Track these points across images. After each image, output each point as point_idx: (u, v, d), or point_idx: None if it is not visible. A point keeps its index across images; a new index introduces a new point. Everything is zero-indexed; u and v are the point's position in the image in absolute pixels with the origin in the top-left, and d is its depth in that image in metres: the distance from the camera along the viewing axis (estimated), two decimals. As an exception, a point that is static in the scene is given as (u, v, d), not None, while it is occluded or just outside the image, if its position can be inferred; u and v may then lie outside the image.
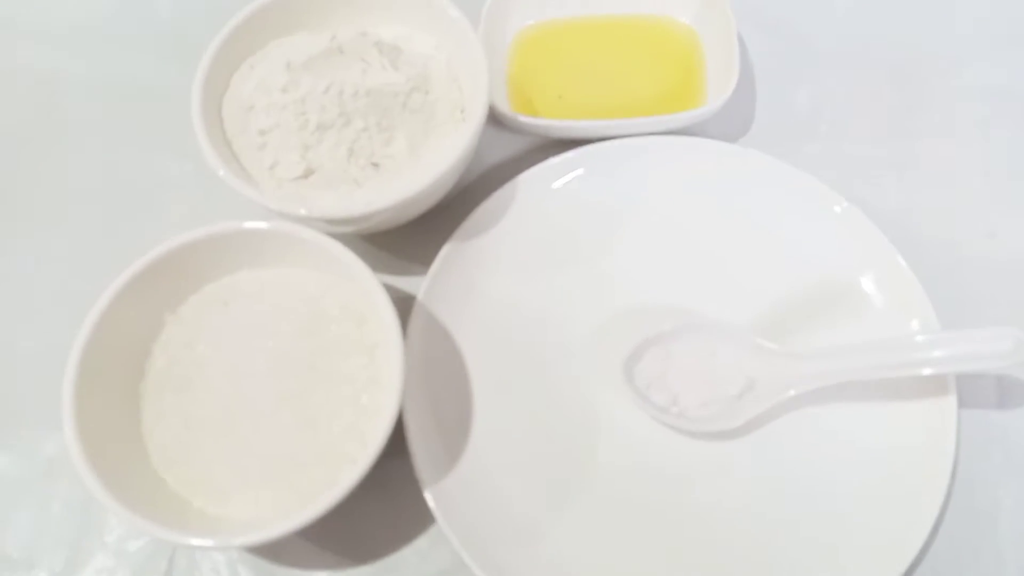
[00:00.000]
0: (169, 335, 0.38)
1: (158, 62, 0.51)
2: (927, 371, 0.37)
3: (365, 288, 0.36)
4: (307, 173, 0.40)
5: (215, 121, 0.40)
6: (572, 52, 0.48)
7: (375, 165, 0.40)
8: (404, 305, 0.40)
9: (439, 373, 0.40)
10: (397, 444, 0.36)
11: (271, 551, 0.39)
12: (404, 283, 0.44)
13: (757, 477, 0.38)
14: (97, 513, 0.40)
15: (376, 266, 0.37)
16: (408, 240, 0.45)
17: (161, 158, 0.48)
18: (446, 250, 0.41)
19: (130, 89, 0.51)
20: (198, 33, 0.51)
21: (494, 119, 0.44)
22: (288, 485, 0.35)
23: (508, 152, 0.47)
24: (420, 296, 0.40)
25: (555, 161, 0.43)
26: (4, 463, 0.41)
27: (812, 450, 0.38)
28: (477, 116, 0.39)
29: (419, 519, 0.38)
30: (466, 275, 0.41)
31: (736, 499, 0.37)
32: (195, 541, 0.33)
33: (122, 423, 0.36)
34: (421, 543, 0.38)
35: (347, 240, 0.38)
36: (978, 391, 0.40)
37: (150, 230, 0.45)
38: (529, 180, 0.43)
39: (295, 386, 0.36)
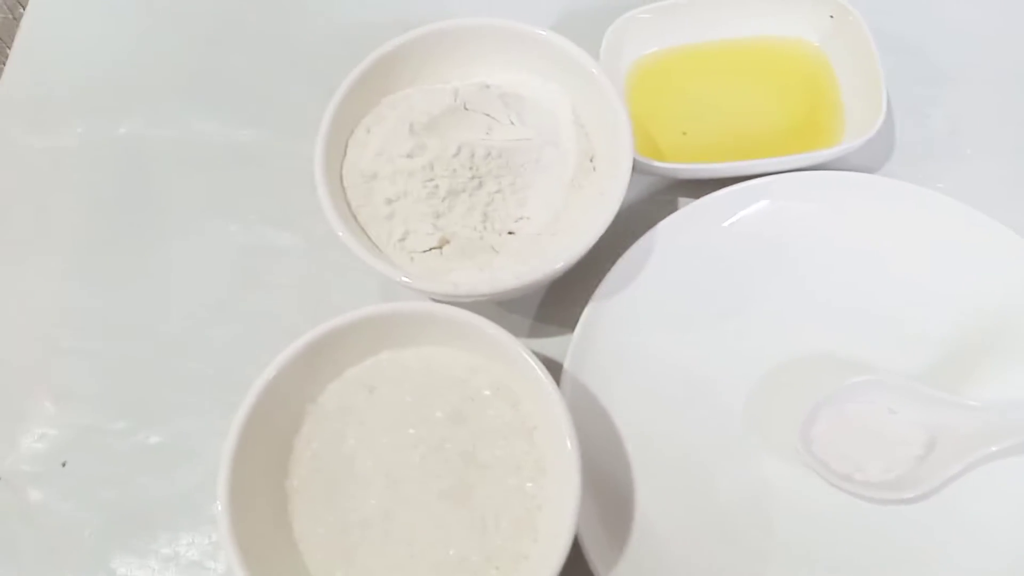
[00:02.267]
0: (312, 428, 0.36)
1: (247, 126, 0.49)
2: None
3: (522, 369, 0.35)
4: (441, 243, 0.38)
5: (338, 192, 0.39)
6: (693, 82, 0.46)
7: (511, 233, 0.39)
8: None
9: (594, 447, 0.38)
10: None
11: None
12: (541, 346, 0.42)
13: (955, 541, 0.36)
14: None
15: (511, 332, 0.35)
16: (541, 301, 0.43)
17: (265, 230, 0.46)
18: (588, 312, 0.40)
19: (221, 157, 0.49)
20: (279, 91, 0.50)
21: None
22: (459, 589, 0.34)
23: (631, 195, 0.45)
24: (567, 364, 0.39)
25: (695, 206, 0.41)
26: (139, 572, 0.39)
27: (1013, 509, 0.36)
28: (623, 171, 0.37)
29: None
30: (612, 336, 0.40)
31: (934, 566, 0.36)
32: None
33: (272, 527, 0.35)
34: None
35: (476, 306, 0.36)
36: None
37: (262, 309, 0.44)
38: (668, 228, 0.41)
39: (455, 479, 0.35)
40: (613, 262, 0.41)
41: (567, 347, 0.40)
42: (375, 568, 0.34)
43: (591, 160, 0.40)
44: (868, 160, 0.45)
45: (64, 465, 0.41)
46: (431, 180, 0.38)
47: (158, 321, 0.45)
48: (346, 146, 0.40)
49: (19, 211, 0.49)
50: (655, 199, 0.45)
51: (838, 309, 0.40)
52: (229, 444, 0.34)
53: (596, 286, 0.40)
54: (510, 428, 0.35)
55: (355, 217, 0.39)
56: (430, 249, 0.38)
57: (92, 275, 0.46)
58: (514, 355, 0.35)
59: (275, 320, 0.44)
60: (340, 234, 0.37)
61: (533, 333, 0.42)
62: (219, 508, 0.33)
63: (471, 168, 0.38)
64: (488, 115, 0.39)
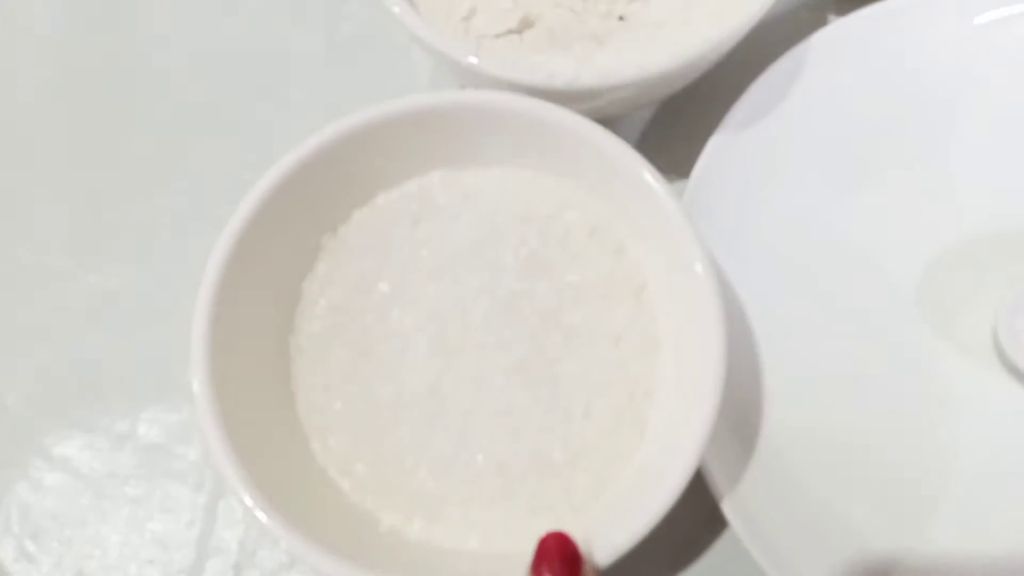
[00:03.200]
0: (330, 268, 0.26)
1: None
2: None
3: (639, 197, 0.24)
4: (522, 26, 0.27)
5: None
6: None
7: (621, 17, 0.28)
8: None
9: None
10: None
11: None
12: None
13: None
14: (217, 527, 0.29)
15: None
16: (644, 131, 0.33)
17: (270, 29, 0.35)
18: (712, 149, 0.29)
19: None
20: None
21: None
22: (530, 499, 0.24)
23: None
24: (681, 214, 0.29)
25: (863, 17, 0.30)
26: (82, 454, 0.30)
27: None
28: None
29: (708, 526, 0.28)
30: (742, 186, 0.29)
31: None
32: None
33: (269, 401, 0.25)
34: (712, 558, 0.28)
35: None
36: None
37: (268, 131, 0.33)
38: (826, 43, 0.30)
39: (531, 348, 0.25)
40: (746, 85, 0.30)
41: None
42: (412, 463, 0.24)
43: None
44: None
45: (-15, 305, 0.31)
46: (514, -65, 0.27)
47: (130, 139, 0.34)
48: None
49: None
50: (802, 7, 0.34)
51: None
52: (210, 278, 0.24)
53: (722, 116, 0.30)
54: (610, 284, 0.26)
55: (402, -16, 0.28)
56: (507, 33, 0.27)
57: (55, 78, 0.35)
58: (629, 175, 0.24)
59: (287, 145, 0.33)
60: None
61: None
62: (194, 368, 0.23)
63: (573, -80, 0.27)
64: None
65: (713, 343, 0.23)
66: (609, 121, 0.30)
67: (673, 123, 0.32)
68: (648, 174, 0.24)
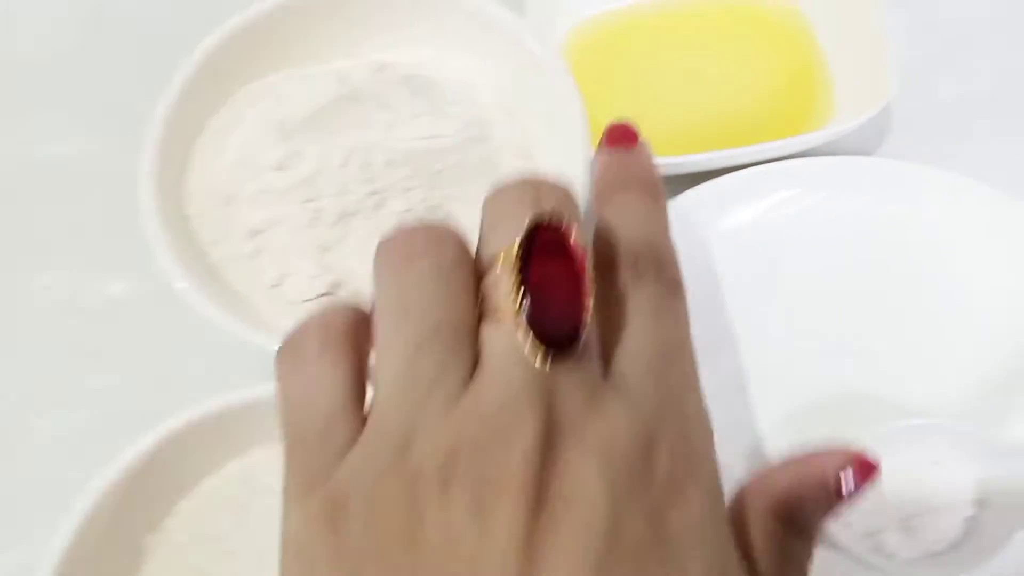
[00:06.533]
0: (157, 570, 0.26)
1: (51, 138, 0.38)
2: None
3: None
4: (332, 288, 0.28)
5: (178, 224, 0.28)
6: (644, 54, 0.38)
7: (431, 262, 0.29)
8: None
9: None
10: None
11: None
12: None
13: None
14: None
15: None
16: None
17: (85, 277, 0.35)
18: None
19: (16, 181, 0.37)
20: (97, 87, 0.39)
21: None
22: None
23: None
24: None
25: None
26: None
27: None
28: (580, 167, 0.28)
29: None
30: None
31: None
32: None
33: None
34: None
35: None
36: None
37: (85, 394, 0.33)
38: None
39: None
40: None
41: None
42: None
43: (528, 158, 0.31)
44: (860, 142, 0.37)
45: None
46: (312, 201, 0.28)
47: None
48: (190, 158, 0.30)
49: None
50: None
51: (847, 333, 0.33)
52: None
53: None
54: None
55: (204, 258, 0.28)
56: (317, 298, 0.28)
57: None
58: None
59: (109, 407, 0.32)
60: (177, 285, 0.26)
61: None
62: None
63: (368, 181, 0.28)
64: (387, 106, 0.30)
65: None
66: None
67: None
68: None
